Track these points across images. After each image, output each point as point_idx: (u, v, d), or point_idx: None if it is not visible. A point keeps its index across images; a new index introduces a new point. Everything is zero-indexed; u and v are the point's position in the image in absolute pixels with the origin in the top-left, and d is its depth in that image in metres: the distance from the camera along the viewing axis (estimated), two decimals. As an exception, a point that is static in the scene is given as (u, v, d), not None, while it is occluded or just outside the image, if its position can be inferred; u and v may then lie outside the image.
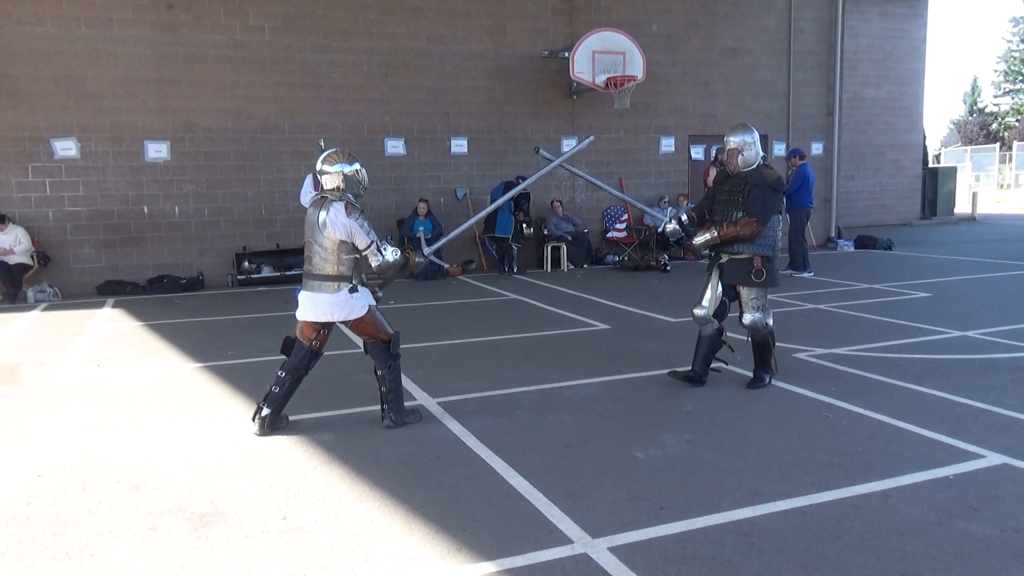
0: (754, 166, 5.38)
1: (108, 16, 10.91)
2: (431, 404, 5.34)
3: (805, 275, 11.33)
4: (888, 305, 8.79)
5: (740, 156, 5.36)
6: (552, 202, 13.14)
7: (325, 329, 4.85)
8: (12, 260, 10.36)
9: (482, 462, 4.26)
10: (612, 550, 3.22)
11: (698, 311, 5.54)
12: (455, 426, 4.86)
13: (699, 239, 5.54)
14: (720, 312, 5.51)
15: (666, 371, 5.78)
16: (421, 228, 11.97)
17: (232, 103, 11.57)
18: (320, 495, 3.86)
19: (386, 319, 4.96)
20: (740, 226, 5.27)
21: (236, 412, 5.28)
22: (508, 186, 12.60)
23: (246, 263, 11.76)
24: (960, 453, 4.23)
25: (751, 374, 5.72)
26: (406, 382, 5.88)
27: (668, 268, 12.35)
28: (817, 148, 15.74)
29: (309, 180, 10.46)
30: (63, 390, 5.93)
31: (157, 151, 11.30)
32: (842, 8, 15.55)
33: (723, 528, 3.41)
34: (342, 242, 4.66)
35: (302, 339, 4.84)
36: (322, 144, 10.30)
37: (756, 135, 5.43)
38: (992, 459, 4.13)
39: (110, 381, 6.17)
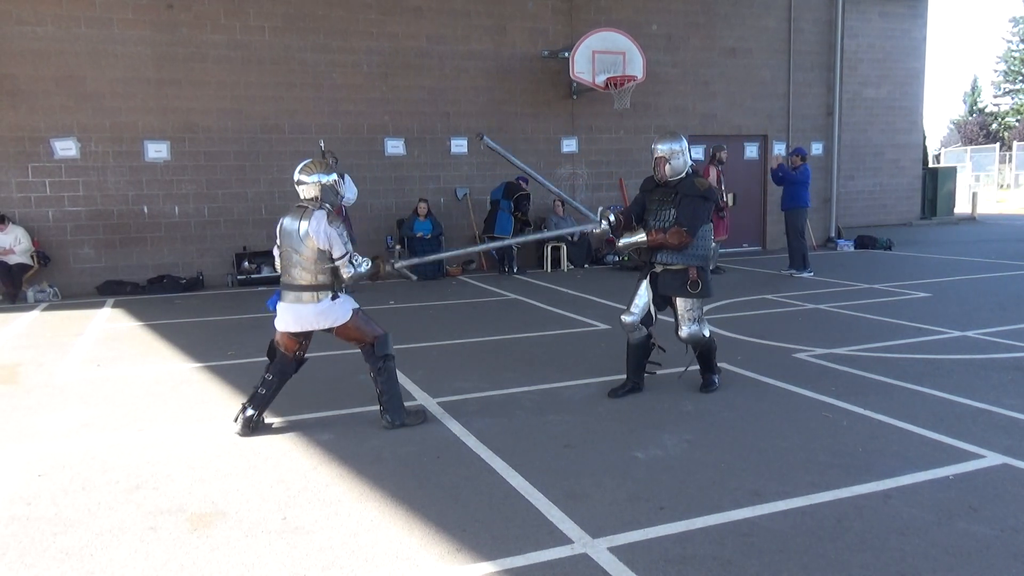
0: (683, 175, 5.26)
1: (108, 16, 10.91)
2: (431, 404, 5.34)
3: (805, 275, 11.33)
4: (888, 305, 8.79)
5: (668, 165, 5.23)
6: (553, 202, 13.14)
7: (306, 339, 4.86)
8: (12, 260, 10.36)
9: (482, 462, 4.26)
10: (612, 550, 3.22)
11: (627, 318, 5.41)
12: (455, 426, 4.86)
13: (625, 240, 5.37)
14: (647, 320, 5.42)
15: (667, 371, 5.77)
16: (421, 229, 12.02)
17: (232, 103, 11.58)
18: (320, 495, 3.86)
19: (373, 321, 4.94)
20: (669, 235, 5.15)
21: (235, 411, 5.27)
22: (508, 186, 12.63)
23: (246, 263, 11.77)
24: (960, 453, 4.23)
25: (749, 373, 5.70)
26: (406, 383, 5.89)
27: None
28: (817, 148, 15.74)
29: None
30: (63, 390, 5.93)
31: (157, 151, 11.31)
32: (842, 8, 15.55)
33: (723, 528, 3.41)
34: (321, 251, 4.64)
35: (285, 352, 4.84)
36: (322, 144, 10.44)
37: (685, 144, 5.29)
38: (992, 459, 4.13)
39: (110, 381, 6.17)
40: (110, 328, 8.47)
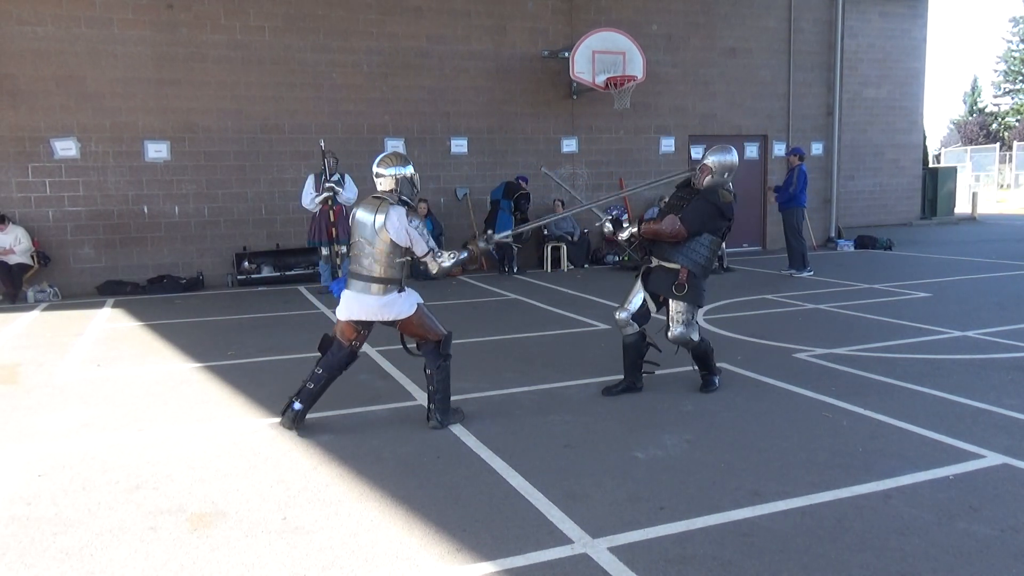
0: (713, 187, 5.31)
1: (108, 16, 10.91)
2: (431, 404, 5.33)
3: (805, 274, 11.33)
4: (888, 305, 8.79)
5: (710, 176, 5.27)
6: (554, 201, 13.14)
7: (366, 329, 4.86)
8: (12, 260, 10.37)
9: (482, 462, 4.26)
10: (612, 550, 3.22)
11: (620, 314, 5.44)
12: (455, 426, 4.86)
13: (624, 233, 5.48)
14: (641, 317, 5.42)
15: (667, 371, 5.77)
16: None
17: (232, 103, 11.58)
18: (320, 495, 3.86)
19: (436, 319, 4.94)
20: (664, 225, 5.19)
21: (236, 412, 5.28)
22: (508, 186, 12.62)
23: (246, 263, 11.77)
24: (960, 453, 4.23)
25: (749, 373, 5.70)
26: (406, 383, 5.89)
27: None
28: (817, 148, 15.74)
29: (310, 181, 10.46)
30: (63, 390, 5.93)
31: (157, 151, 11.31)
32: (842, 8, 15.55)
33: (723, 528, 3.40)
34: (395, 245, 4.65)
35: (342, 339, 4.83)
36: (322, 144, 10.43)
37: (735, 161, 5.29)
38: (992, 459, 4.13)
39: (110, 381, 6.17)
40: (110, 328, 8.47)
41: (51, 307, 10.01)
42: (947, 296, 9.30)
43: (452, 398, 5.45)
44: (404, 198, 4.74)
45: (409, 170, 4.79)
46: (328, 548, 3.31)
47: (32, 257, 10.63)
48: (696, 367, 5.56)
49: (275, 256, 12.01)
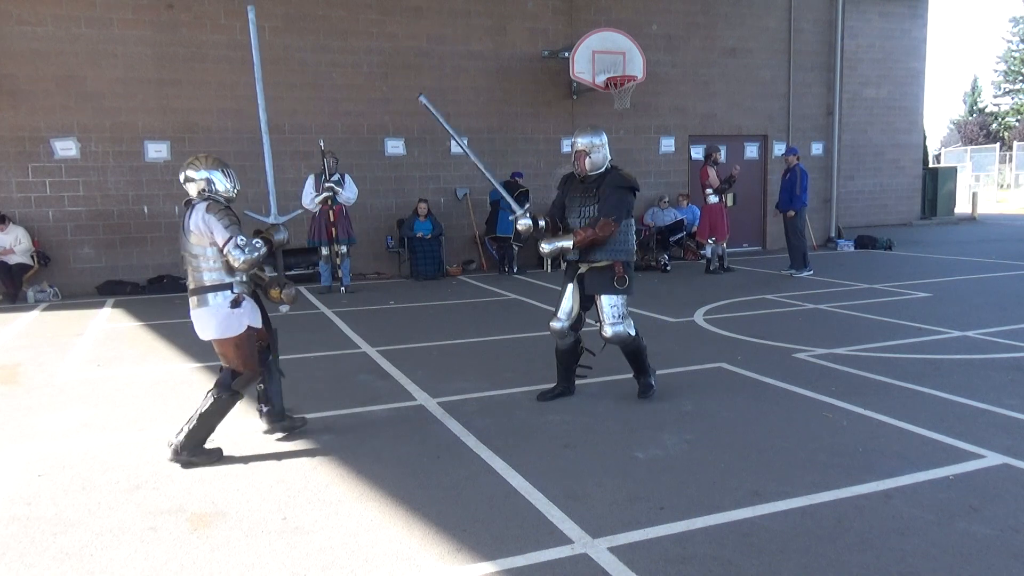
0: (603, 169, 5.16)
1: (108, 16, 10.91)
2: (431, 404, 5.34)
3: (805, 274, 11.33)
4: (888, 305, 8.79)
5: (588, 158, 5.11)
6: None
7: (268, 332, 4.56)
8: (12, 260, 10.37)
9: (482, 462, 4.26)
10: (612, 550, 3.22)
11: (555, 324, 5.30)
12: (455, 426, 4.86)
13: (548, 246, 5.16)
14: (576, 324, 5.32)
15: (667, 371, 5.77)
16: (421, 229, 12.02)
17: (232, 103, 11.57)
18: (320, 495, 3.86)
19: (256, 353, 4.51)
20: (598, 228, 4.98)
21: (235, 412, 5.26)
22: (506, 186, 12.58)
23: (246, 263, 11.75)
24: (960, 453, 4.23)
25: (749, 373, 5.69)
26: (406, 383, 5.89)
27: (668, 268, 12.36)
28: (817, 148, 15.74)
29: (311, 181, 10.47)
30: (63, 390, 5.93)
31: (157, 151, 11.31)
32: (842, 8, 15.54)
33: (723, 528, 3.40)
34: (211, 245, 4.28)
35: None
36: (322, 144, 10.43)
37: (605, 138, 5.16)
38: (992, 459, 4.12)
39: (110, 381, 6.17)
40: (110, 328, 8.47)
41: (51, 307, 10.01)
42: (947, 296, 9.30)
43: (452, 398, 5.44)
44: (219, 197, 4.41)
45: (220, 172, 4.47)
46: (328, 548, 3.31)
47: (32, 257, 10.64)
48: (632, 372, 5.38)
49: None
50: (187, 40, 11.30)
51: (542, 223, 5.27)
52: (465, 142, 5.59)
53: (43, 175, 10.87)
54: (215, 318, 4.32)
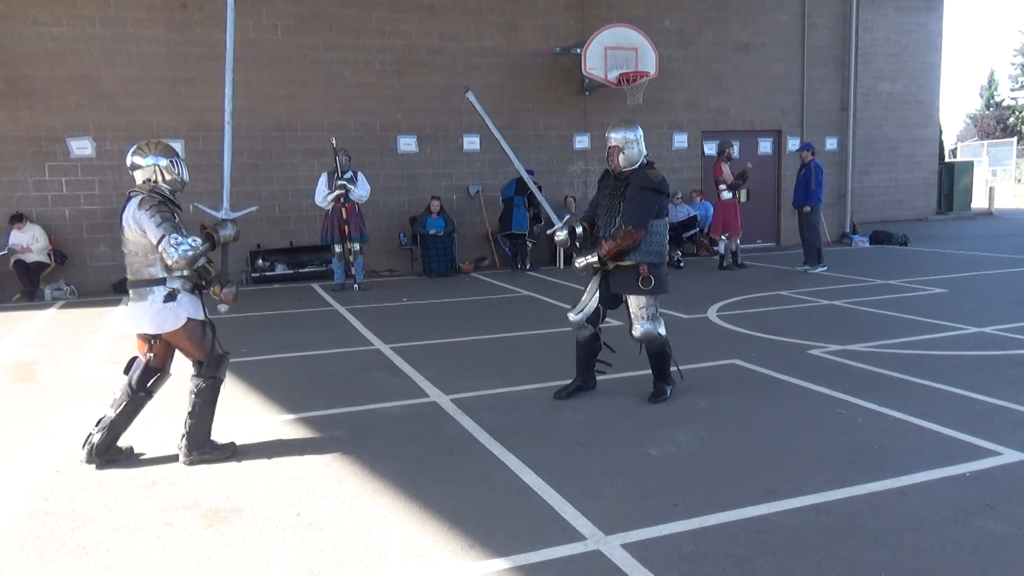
0: (636, 165, 5.04)
1: (122, 16, 10.98)
2: (444, 401, 5.35)
3: (818, 270, 11.27)
4: (904, 301, 8.72)
5: (621, 154, 5.01)
6: (565, 198, 13.12)
7: (156, 341, 4.30)
8: (30, 258, 10.47)
9: (495, 459, 4.26)
10: (625, 547, 3.22)
11: (573, 316, 5.25)
12: (467, 423, 4.87)
13: (580, 262, 5.15)
14: (594, 318, 5.25)
15: (680, 368, 5.74)
16: (434, 227, 12.03)
17: (245, 102, 11.59)
18: (333, 491, 3.88)
19: (217, 339, 4.40)
20: (619, 238, 4.91)
21: (249, 409, 5.31)
22: (519, 183, 12.60)
23: (260, 261, 11.83)
24: (977, 450, 4.19)
25: (763, 370, 5.66)
26: (418, 379, 5.90)
27: (681, 264, 12.31)
28: (831, 143, 15.63)
29: (323, 179, 10.51)
30: (80, 387, 5.98)
31: (172, 150, 11.36)
32: (856, 2, 15.43)
33: (737, 525, 3.39)
34: (143, 240, 4.14)
35: (138, 351, 4.37)
36: (334, 142, 10.45)
37: (639, 132, 5.06)
38: (1009, 456, 4.09)
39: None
40: (125, 326, 8.53)
41: (68, 305, 10.10)
42: (963, 292, 9.22)
43: (464, 395, 5.44)
44: (163, 190, 4.27)
45: (169, 160, 4.31)
46: (342, 544, 3.32)
47: (49, 255, 10.73)
48: (651, 372, 5.32)
49: (289, 254, 12.06)
50: (200, 39, 11.36)
51: (579, 230, 5.24)
52: (504, 140, 5.63)
53: (59, 174, 10.96)
54: (148, 312, 4.18)
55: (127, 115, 11.12)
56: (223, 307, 4.56)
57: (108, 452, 4.27)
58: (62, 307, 9.93)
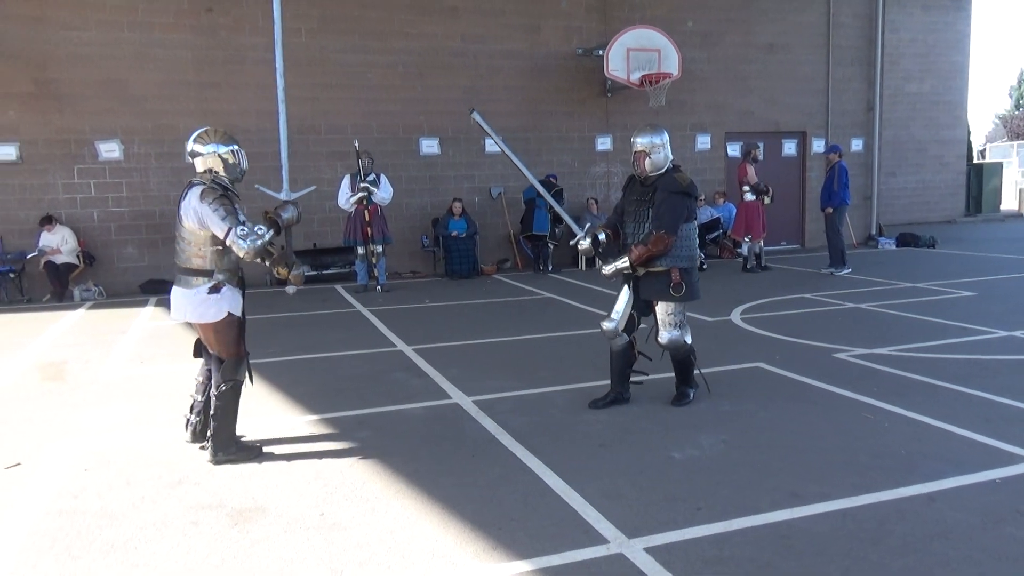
0: (663, 170, 4.97)
1: (150, 21, 11.13)
2: (466, 402, 5.35)
3: (843, 272, 11.16)
4: (931, 304, 8.61)
5: (647, 159, 4.93)
6: (587, 200, 13.10)
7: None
8: (59, 260, 10.64)
9: (517, 461, 4.26)
10: (648, 550, 3.20)
11: (606, 324, 5.12)
12: (490, 424, 4.87)
13: (608, 268, 5.07)
14: (629, 325, 5.15)
15: (703, 371, 5.70)
16: (456, 228, 12.06)
17: (270, 104, 11.61)
18: (357, 492, 3.90)
19: (242, 339, 4.41)
20: (651, 243, 4.84)
21: (274, 409, 5.35)
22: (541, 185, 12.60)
23: (284, 262, 11.90)
24: (1007, 456, 4.12)
25: (788, 373, 5.61)
26: (441, 380, 5.92)
27: (705, 267, 12.23)
28: (857, 144, 15.46)
29: (347, 181, 10.57)
30: (108, 387, 6.07)
31: (197, 152, 11.49)
32: (883, 2, 15.25)
33: (761, 530, 3.37)
34: (201, 230, 4.18)
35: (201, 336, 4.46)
36: (357, 144, 10.50)
37: (666, 137, 4.99)
38: (1041, 462, 4.02)
39: (153, 378, 6.30)
40: (152, 326, 8.64)
41: (96, 305, 10.24)
42: (993, 295, 9.07)
43: (487, 396, 5.44)
44: (224, 180, 4.29)
45: (231, 148, 4.31)
46: (365, 544, 3.34)
47: (78, 257, 10.90)
48: (674, 375, 5.25)
49: (313, 255, 12.14)
50: (226, 43, 11.49)
51: (602, 237, 5.17)
52: (518, 159, 5.55)
53: (88, 176, 11.13)
54: (192, 302, 4.25)
55: (154, 118, 11.26)
56: (291, 289, 4.66)
57: (207, 431, 4.37)
58: (91, 308, 10.08)
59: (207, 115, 11.45)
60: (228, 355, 4.34)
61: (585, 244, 5.18)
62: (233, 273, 4.34)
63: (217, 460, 4.30)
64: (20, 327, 8.75)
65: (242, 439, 4.48)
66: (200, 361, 4.55)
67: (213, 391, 4.34)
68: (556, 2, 13.20)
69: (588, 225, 5.32)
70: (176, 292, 4.34)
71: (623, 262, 5.01)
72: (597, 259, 5.19)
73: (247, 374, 4.44)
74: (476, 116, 5.33)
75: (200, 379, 4.52)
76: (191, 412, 4.53)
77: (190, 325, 4.47)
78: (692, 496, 3.73)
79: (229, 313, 4.29)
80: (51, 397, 5.81)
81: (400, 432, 4.80)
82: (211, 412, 4.32)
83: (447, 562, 3.17)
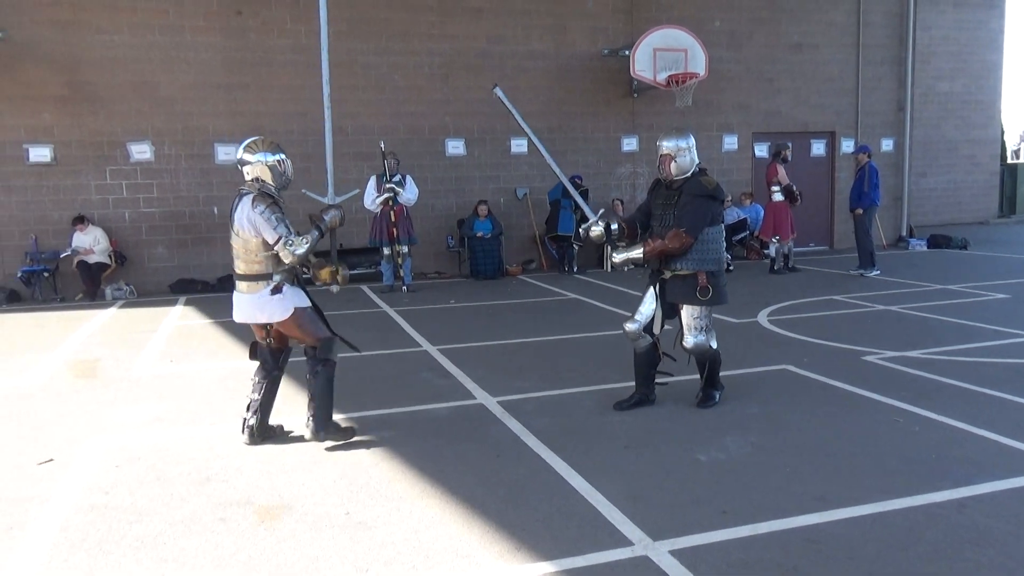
0: (689, 174, 4.94)
1: (180, 24, 11.29)
2: (491, 403, 5.36)
3: (873, 274, 11.01)
4: (963, 307, 8.46)
5: (673, 163, 4.92)
6: (612, 201, 13.06)
7: (270, 327, 4.59)
8: (92, 260, 10.83)
9: (542, 461, 4.26)
10: (674, 553, 3.18)
11: (629, 325, 5.07)
12: (515, 425, 4.87)
13: (620, 256, 5.05)
14: (651, 327, 5.08)
15: (730, 373, 5.66)
16: (481, 229, 12.08)
17: (298, 106, 11.82)
18: (382, 491, 3.92)
19: (322, 322, 4.63)
20: (668, 239, 4.82)
21: (301, 407, 5.38)
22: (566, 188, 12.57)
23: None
24: (1041, 462, 4.05)
25: (816, 376, 5.54)
26: (466, 381, 5.93)
27: (731, 268, 12.12)
28: (887, 144, 15.25)
29: (372, 182, 10.63)
30: (138, 385, 6.16)
31: (227, 153, 11.61)
32: (914, 0, 15.03)
33: (788, 534, 3.33)
34: (254, 239, 4.39)
35: (257, 337, 4.69)
36: (383, 145, 10.56)
37: (692, 140, 4.96)
38: (1076, 469, 3.94)
39: (182, 377, 6.38)
40: (182, 325, 8.76)
41: (127, 305, 10.40)
42: (1027, 298, 8.90)
43: (512, 397, 5.45)
44: (271, 188, 4.47)
45: (278, 157, 4.52)
46: (390, 544, 3.36)
47: (110, 256, 11.08)
48: (700, 377, 5.19)
49: (339, 256, 12.13)
50: (255, 45, 11.61)
51: (615, 226, 5.13)
52: (535, 137, 5.57)
53: (120, 178, 11.31)
54: (258, 304, 4.47)
55: (184, 120, 11.42)
56: (335, 288, 4.85)
57: (264, 431, 4.64)
58: (122, 307, 10.23)
59: (236, 117, 11.60)
60: (315, 341, 4.55)
61: (597, 230, 5.11)
62: (291, 273, 4.53)
63: (319, 438, 4.52)
64: (53, 325, 8.91)
65: (331, 421, 4.64)
66: (256, 363, 4.72)
67: (309, 375, 4.57)
68: (582, 2, 13.18)
69: (602, 211, 5.29)
70: (239, 297, 4.56)
71: (636, 252, 5.00)
72: (608, 247, 5.18)
73: (348, 346, 4.69)
74: (498, 92, 5.37)
75: (256, 379, 4.68)
76: (248, 411, 4.65)
77: (237, 327, 4.78)
78: (718, 499, 3.70)
79: (295, 308, 4.49)
80: (83, 394, 5.91)
81: (425, 432, 4.82)
82: (310, 394, 4.56)
83: (471, 562, 3.18)
